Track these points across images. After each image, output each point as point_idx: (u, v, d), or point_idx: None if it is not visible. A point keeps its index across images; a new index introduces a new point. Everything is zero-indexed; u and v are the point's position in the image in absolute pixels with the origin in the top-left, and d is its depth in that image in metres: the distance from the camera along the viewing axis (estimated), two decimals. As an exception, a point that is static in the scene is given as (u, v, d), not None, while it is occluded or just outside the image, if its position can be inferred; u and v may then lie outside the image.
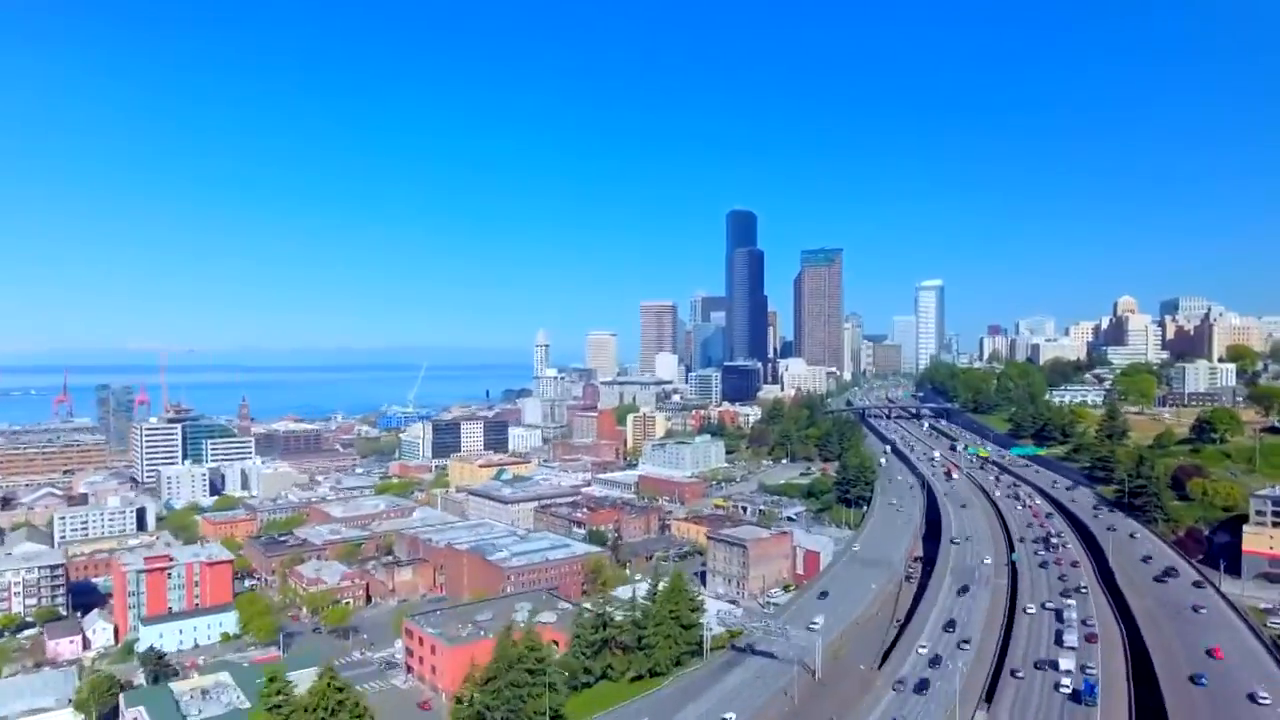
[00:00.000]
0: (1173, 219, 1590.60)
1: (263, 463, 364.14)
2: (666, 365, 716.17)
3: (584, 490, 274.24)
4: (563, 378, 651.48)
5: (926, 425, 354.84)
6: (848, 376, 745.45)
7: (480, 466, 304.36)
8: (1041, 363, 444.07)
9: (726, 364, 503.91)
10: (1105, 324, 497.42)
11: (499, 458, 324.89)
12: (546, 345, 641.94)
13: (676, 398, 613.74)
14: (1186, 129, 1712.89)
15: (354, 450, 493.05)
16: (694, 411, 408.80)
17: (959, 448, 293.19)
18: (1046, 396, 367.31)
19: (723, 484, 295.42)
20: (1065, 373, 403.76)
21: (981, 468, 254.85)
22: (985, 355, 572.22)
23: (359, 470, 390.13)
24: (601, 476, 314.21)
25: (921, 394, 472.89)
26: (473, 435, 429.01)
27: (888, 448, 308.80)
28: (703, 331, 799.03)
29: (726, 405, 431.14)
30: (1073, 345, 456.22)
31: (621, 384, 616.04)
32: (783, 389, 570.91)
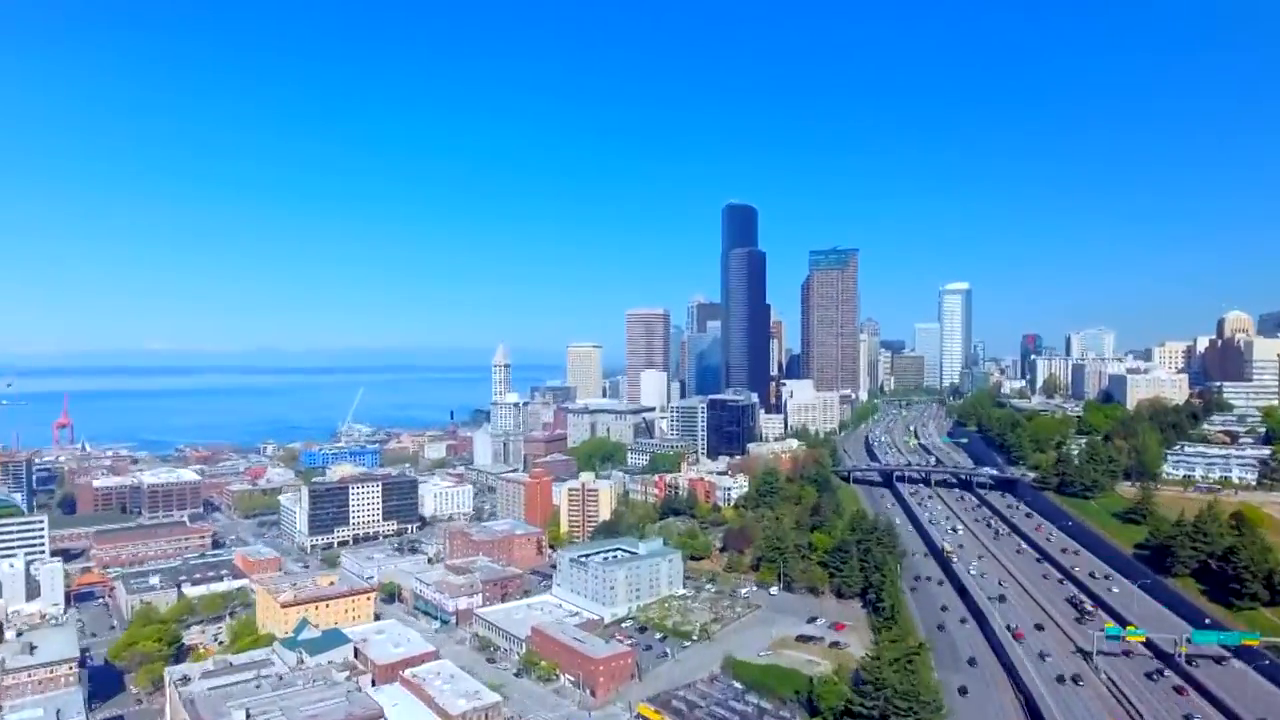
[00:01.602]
0: (1235, 209, 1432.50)
1: (37, 563, 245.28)
2: (653, 386, 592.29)
3: (409, 675, 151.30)
4: (526, 404, 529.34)
5: (999, 528, 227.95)
6: (863, 396, 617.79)
7: (283, 606, 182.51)
8: (1132, 404, 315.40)
9: (712, 397, 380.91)
10: (1204, 347, 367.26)
11: (327, 582, 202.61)
12: (507, 365, 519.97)
13: (663, 424, 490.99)
14: (1242, 115, 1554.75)
15: (235, 511, 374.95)
16: (657, 478, 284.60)
17: (1085, 607, 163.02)
18: (1164, 469, 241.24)
19: (668, 643, 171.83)
20: (1177, 424, 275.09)
21: (1149, 675, 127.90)
22: (1038, 382, 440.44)
23: (201, 558, 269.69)
24: (485, 613, 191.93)
25: (965, 439, 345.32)
26: (367, 502, 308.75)
27: (944, 581, 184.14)
28: (698, 343, 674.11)
29: (705, 464, 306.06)
30: (1173, 380, 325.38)
31: (592, 413, 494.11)
32: (786, 426, 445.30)
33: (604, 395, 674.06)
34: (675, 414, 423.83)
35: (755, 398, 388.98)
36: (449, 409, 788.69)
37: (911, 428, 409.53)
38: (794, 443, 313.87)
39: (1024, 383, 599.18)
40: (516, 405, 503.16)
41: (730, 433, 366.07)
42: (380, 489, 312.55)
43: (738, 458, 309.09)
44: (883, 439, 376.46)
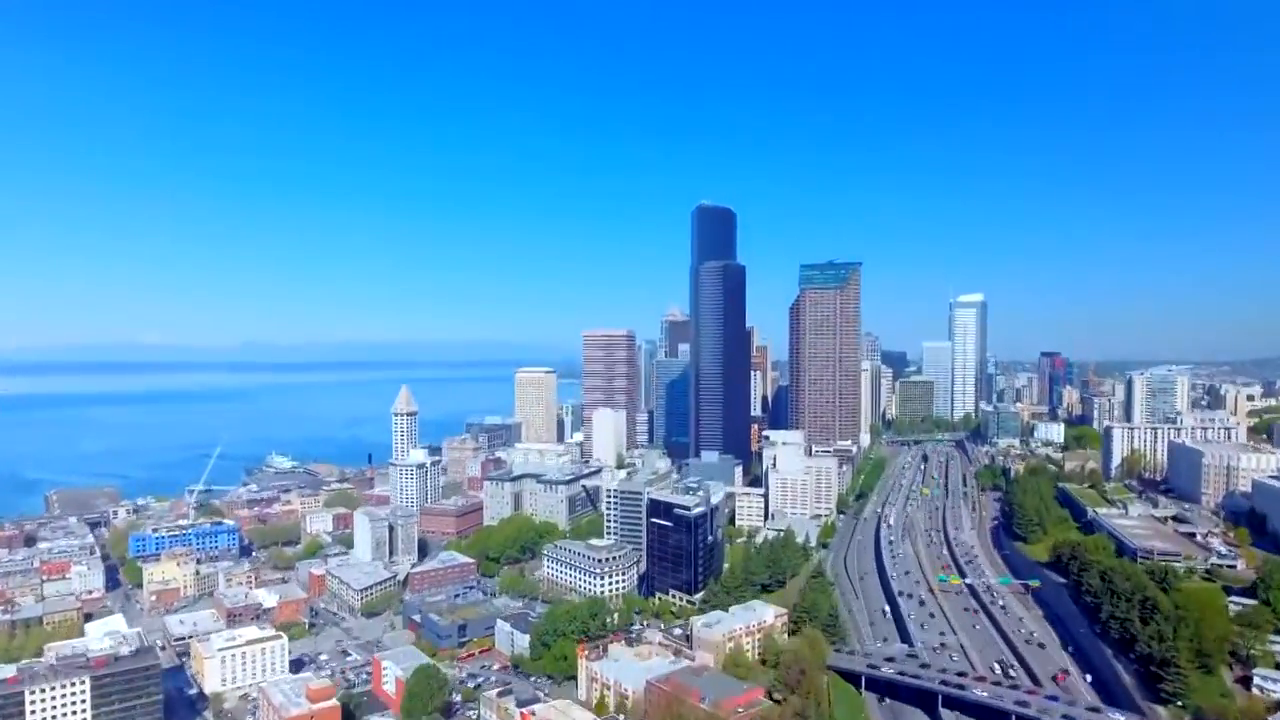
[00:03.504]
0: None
1: None
2: (607, 431, 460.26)
3: None
4: (436, 461, 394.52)
5: None
6: (866, 439, 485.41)
7: None
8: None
9: (654, 496, 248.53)
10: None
11: None
12: (411, 413, 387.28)
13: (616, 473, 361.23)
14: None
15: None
16: (521, 716, 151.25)
17: None
18: None
19: None
20: None
21: None
22: (1113, 459, 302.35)
23: None
24: None
25: (1037, 581, 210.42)
26: (64, 711, 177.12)
27: None
28: (668, 369, 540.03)
29: (614, 661, 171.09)
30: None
31: (515, 480, 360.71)
32: (766, 509, 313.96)
33: (560, 437, 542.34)
34: (614, 502, 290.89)
35: (718, 495, 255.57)
36: (347, 447, 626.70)
37: (942, 533, 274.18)
38: (769, 614, 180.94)
39: (1058, 424, 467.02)
40: (422, 466, 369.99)
41: (679, 554, 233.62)
42: (89, 688, 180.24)
43: (666, 674, 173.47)
44: (893, 532, 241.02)
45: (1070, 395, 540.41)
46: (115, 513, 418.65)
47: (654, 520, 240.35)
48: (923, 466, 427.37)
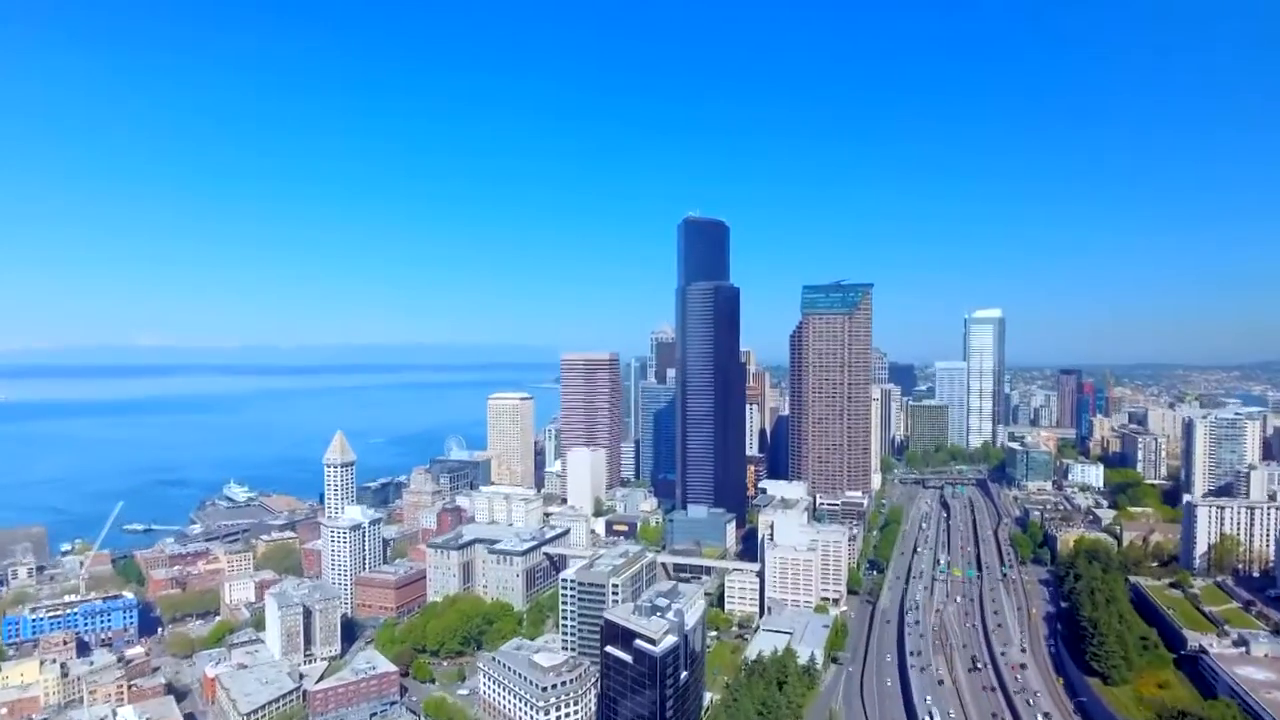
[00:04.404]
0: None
1: None
2: (583, 474, 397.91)
3: None
4: (375, 521, 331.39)
5: None
6: (875, 483, 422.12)
7: None
8: None
9: (609, 616, 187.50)
10: None
11: None
12: (348, 463, 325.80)
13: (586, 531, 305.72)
14: None
15: None
16: None
17: None
18: None
19: None
20: None
21: None
22: (1195, 547, 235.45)
23: None
24: None
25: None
26: None
27: None
28: (655, 398, 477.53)
29: None
30: None
31: (462, 548, 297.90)
32: (762, 601, 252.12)
33: (538, 468, 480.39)
34: (571, 595, 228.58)
35: (696, 611, 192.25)
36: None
37: (986, 650, 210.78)
38: None
39: (1095, 465, 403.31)
40: (358, 528, 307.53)
41: (639, 696, 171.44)
42: None
43: None
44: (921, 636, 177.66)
45: (1102, 425, 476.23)
46: (15, 571, 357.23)
47: (610, 651, 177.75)
48: (945, 520, 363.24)
